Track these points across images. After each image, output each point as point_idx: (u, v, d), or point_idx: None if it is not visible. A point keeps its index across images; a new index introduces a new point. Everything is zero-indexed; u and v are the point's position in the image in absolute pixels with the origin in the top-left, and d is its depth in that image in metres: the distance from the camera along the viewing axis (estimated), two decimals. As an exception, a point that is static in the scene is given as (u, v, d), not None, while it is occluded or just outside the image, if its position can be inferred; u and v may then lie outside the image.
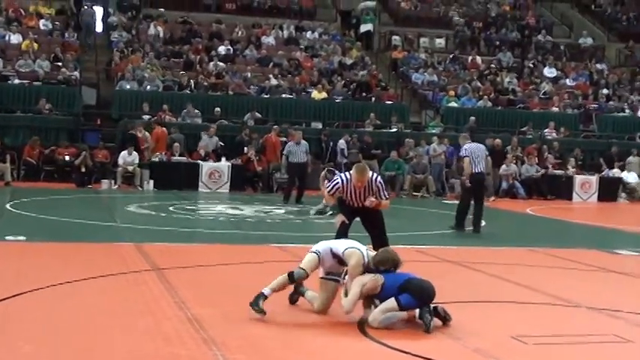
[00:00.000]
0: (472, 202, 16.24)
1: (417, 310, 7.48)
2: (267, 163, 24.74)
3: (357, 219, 10.34)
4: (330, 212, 16.31)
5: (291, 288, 8.20)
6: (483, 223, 17.41)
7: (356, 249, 7.94)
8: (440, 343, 7.27)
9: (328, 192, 10.28)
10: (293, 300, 8.38)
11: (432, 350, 6.96)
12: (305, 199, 20.87)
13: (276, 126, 25.74)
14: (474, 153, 15.99)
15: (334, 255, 8.04)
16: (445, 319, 7.68)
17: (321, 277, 8.18)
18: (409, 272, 7.95)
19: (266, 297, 7.83)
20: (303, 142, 21.49)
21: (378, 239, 10.11)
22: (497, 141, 26.09)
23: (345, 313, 7.69)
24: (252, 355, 6.51)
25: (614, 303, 9.29)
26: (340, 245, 8.09)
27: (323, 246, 8.15)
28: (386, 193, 10.26)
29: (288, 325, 7.62)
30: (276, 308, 7.90)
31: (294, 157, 21.09)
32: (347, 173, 10.25)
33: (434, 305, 7.66)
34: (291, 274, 7.94)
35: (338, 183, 10.14)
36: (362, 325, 7.56)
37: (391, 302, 7.53)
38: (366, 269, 7.81)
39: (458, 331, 7.57)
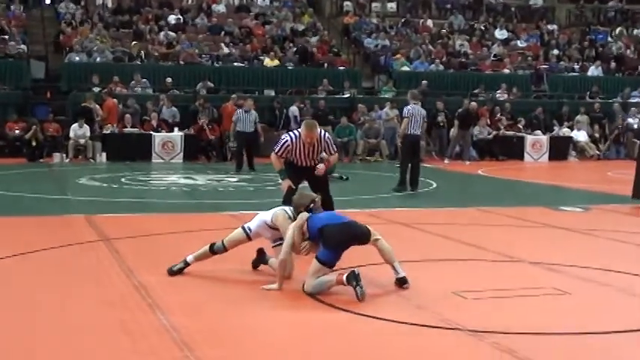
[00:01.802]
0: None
1: (345, 277, 7.29)
2: (222, 132, 24.69)
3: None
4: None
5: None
6: (434, 184, 17.74)
7: (280, 209, 8.16)
8: (383, 300, 7.43)
9: (277, 153, 10.24)
10: (255, 266, 8.51)
11: (375, 307, 7.10)
12: (257, 166, 20.90)
13: (234, 95, 25.65)
14: (414, 115, 16.33)
15: (270, 227, 8.19)
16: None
17: (273, 246, 8.33)
18: (335, 214, 8.10)
19: (188, 264, 8.21)
20: (253, 111, 21.39)
21: (324, 199, 10.28)
22: (473, 104, 26.37)
23: (280, 259, 7.67)
24: (195, 318, 6.61)
25: (556, 257, 9.51)
26: (271, 214, 8.20)
27: (257, 222, 8.26)
28: (334, 148, 10.50)
29: (232, 290, 7.73)
30: (223, 274, 8.00)
31: (242, 126, 21.08)
32: (296, 131, 10.30)
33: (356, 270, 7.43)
34: (212, 246, 8.22)
35: (287, 141, 10.15)
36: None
37: (313, 264, 7.47)
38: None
39: (401, 288, 7.71)
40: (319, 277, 7.43)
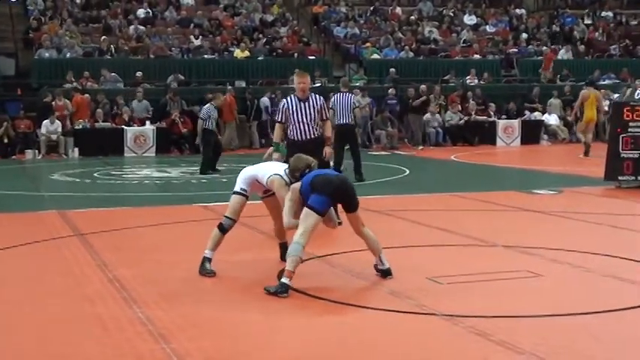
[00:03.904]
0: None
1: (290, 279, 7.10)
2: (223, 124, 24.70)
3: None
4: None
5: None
6: (407, 171, 17.81)
7: (275, 175, 7.86)
8: (358, 288, 7.48)
9: (278, 120, 10.61)
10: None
11: (348, 295, 7.14)
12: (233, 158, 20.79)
13: (230, 87, 25.92)
14: (340, 104, 16.15)
15: (259, 182, 8.04)
16: None
17: (262, 197, 8.28)
18: (325, 170, 7.95)
19: (210, 259, 7.98)
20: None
21: None
22: (422, 87, 26.73)
23: (286, 228, 7.75)
24: (171, 310, 6.62)
25: (529, 240, 9.59)
26: (263, 173, 8.00)
27: (245, 179, 8.09)
28: (327, 113, 10.78)
29: (207, 282, 7.74)
30: (197, 266, 8.00)
31: (211, 123, 18.78)
32: (289, 96, 10.65)
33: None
34: (220, 226, 8.03)
35: (284, 103, 10.54)
36: (281, 274, 7.68)
37: (304, 212, 7.30)
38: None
39: (375, 275, 7.74)
40: (305, 230, 7.19)
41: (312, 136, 10.45)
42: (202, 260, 7.97)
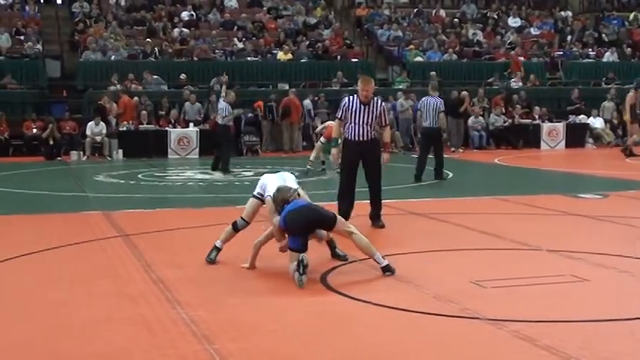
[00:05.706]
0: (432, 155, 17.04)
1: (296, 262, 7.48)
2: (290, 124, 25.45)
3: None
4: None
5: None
6: (450, 174, 17.73)
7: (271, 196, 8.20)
8: (400, 291, 7.43)
9: (338, 117, 10.84)
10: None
11: (392, 298, 7.11)
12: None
13: (294, 89, 26.35)
14: (424, 107, 16.67)
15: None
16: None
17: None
18: (298, 201, 7.96)
19: (219, 249, 8.53)
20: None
21: (372, 188, 10.98)
22: (464, 93, 26.54)
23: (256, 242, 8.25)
24: (214, 311, 6.65)
25: (575, 245, 9.48)
26: (267, 185, 8.42)
27: (262, 184, 8.53)
28: (387, 119, 10.92)
29: (250, 283, 7.76)
30: (239, 267, 8.04)
31: (225, 120, 19.11)
32: (352, 95, 10.79)
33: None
34: (234, 224, 8.56)
35: (345, 102, 10.74)
36: (325, 279, 7.71)
37: (290, 253, 7.65)
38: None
39: (419, 278, 7.73)
40: (293, 262, 7.55)
41: (366, 138, 10.65)
42: (212, 248, 8.52)
